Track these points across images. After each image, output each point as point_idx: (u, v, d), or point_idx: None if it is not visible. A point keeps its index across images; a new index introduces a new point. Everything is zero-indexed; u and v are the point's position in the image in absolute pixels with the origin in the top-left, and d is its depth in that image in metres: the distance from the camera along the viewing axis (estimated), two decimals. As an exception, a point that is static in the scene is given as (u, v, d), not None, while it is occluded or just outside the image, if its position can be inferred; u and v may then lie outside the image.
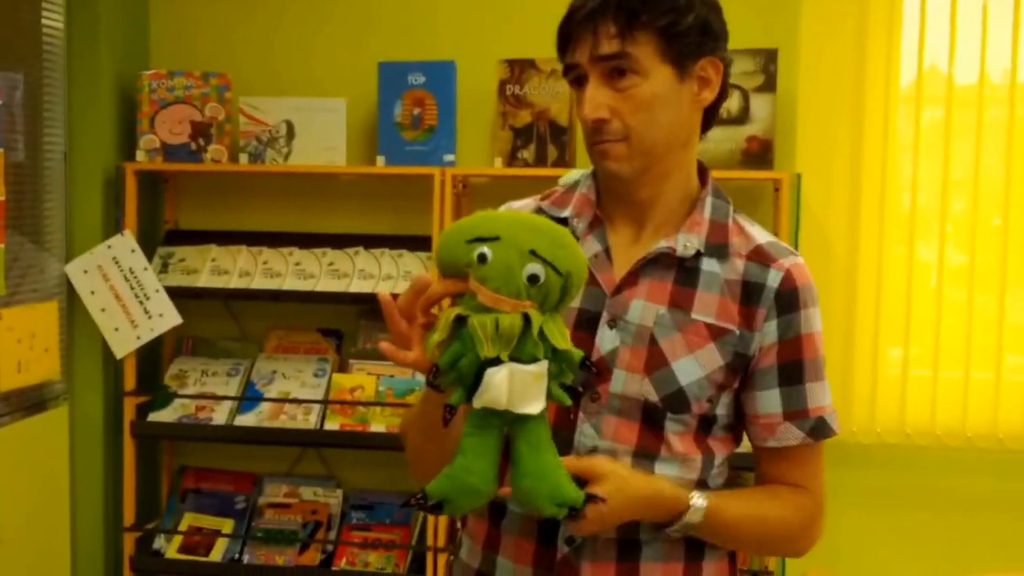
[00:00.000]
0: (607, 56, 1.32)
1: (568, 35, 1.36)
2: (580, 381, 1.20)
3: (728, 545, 1.44)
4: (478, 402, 1.14)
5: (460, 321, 1.13)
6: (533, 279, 1.13)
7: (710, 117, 1.42)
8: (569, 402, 1.19)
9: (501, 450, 1.18)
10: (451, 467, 1.18)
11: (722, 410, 1.40)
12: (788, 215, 2.86)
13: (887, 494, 3.07)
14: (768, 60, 2.88)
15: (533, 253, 1.14)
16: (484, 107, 3.03)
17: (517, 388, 1.13)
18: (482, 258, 1.13)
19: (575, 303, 1.37)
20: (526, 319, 1.13)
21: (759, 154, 2.91)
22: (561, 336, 1.16)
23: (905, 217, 3.00)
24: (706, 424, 1.40)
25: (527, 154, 2.96)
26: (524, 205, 1.50)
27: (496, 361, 1.12)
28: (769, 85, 2.89)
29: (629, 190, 1.40)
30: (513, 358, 1.13)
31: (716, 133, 2.89)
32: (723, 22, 1.38)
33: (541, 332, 1.14)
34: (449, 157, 2.96)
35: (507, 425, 1.17)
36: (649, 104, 1.33)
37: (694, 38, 1.33)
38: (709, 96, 1.37)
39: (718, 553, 1.45)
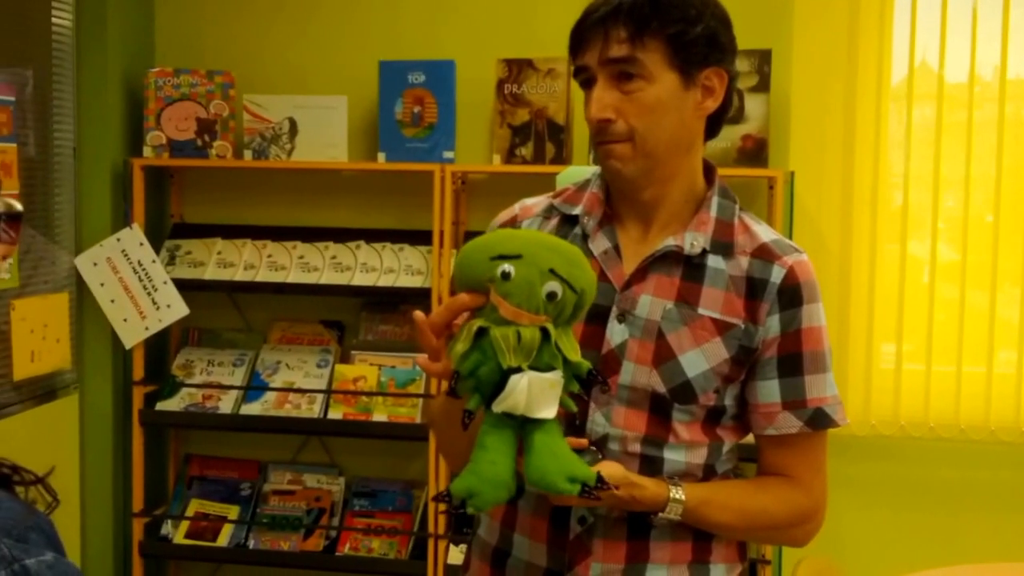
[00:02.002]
0: (616, 59, 1.38)
1: (580, 37, 1.41)
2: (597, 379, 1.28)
3: (719, 534, 1.49)
4: (498, 407, 1.22)
5: (480, 333, 1.21)
6: (551, 296, 1.21)
7: (714, 125, 1.47)
8: (575, 409, 1.28)
9: (516, 449, 1.26)
10: (474, 463, 1.25)
11: (729, 401, 1.46)
12: (782, 212, 2.91)
13: (881, 485, 3.12)
14: (762, 61, 2.93)
15: (552, 272, 1.22)
16: (483, 105, 3.09)
17: (535, 395, 1.21)
18: (505, 275, 1.21)
19: None
20: (544, 332, 1.21)
21: (754, 152, 2.96)
22: (572, 349, 1.25)
23: (897, 214, 3.04)
24: (715, 414, 1.45)
25: (525, 151, 3.01)
26: (537, 202, 1.57)
27: (517, 370, 1.20)
28: (763, 85, 2.94)
29: (633, 190, 1.46)
30: (531, 367, 1.21)
31: (712, 131, 2.95)
32: (732, 37, 1.44)
33: (556, 344, 1.22)
34: (448, 154, 3.02)
35: (520, 426, 1.25)
36: (653, 108, 1.38)
37: (701, 48, 1.38)
38: (712, 105, 1.42)
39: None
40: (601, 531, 1.44)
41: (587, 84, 1.43)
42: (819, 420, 1.45)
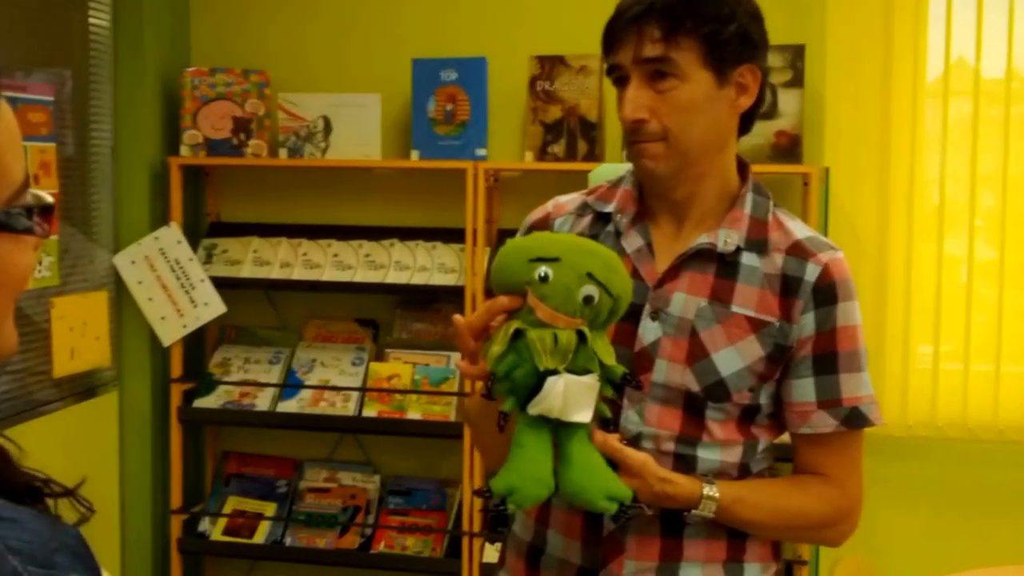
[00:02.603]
0: (650, 59, 1.37)
1: (613, 36, 1.41)
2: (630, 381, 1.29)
3: (752, 532, 1.48)
4: (534, 409, 1.22)
5: (516, 335, 1.22)
6: (588, 300, 1.22)
7: (747, 122, 1.47)
8: (610, 415, 1.29)
9: (552, 450, 1.26)
10: (512, 461, 1.25)
11: (764, 399, 1.45)
12: (817, 209, 2.89)
13: (919, 486, 3.09)
14: (795, 56, 2.91)
15: (590, 275, 1.22)
16: (515, 103, 3.09)
17: (571, 397, 1.21)
18: (543, 278, 1.22)
19: None
20: (580, 335, 1.22)
21: (788, 148, 2.94)
22: (608, 352, 1.25)
23: (934, 211, 2.99)
24: (749, 413, 1.45)
25: (557, 148, 3.01)
26: (571, 200, 1.57)
27: (553, 372, 1.21)
28: (797, 80, 2.93)
29: (666, 189, 1.45)
30: (567, 370, 1.21)
31: (745, 127, 2.94)
32: (764, 32, 1.43)
33: (592, 348, 1.23)
34: (481, 151, 3.03)
35: (554, 430, 1.25)
36: (687, 107, 1.38)
37: (735, 46, 1.37)
38: (746, 102, 1.42)
39: None
40: (635, 528, 1.43)
41: (620, 83, 1.43)
42: (854, 419, 1.44)
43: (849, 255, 2.99)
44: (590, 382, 1.22)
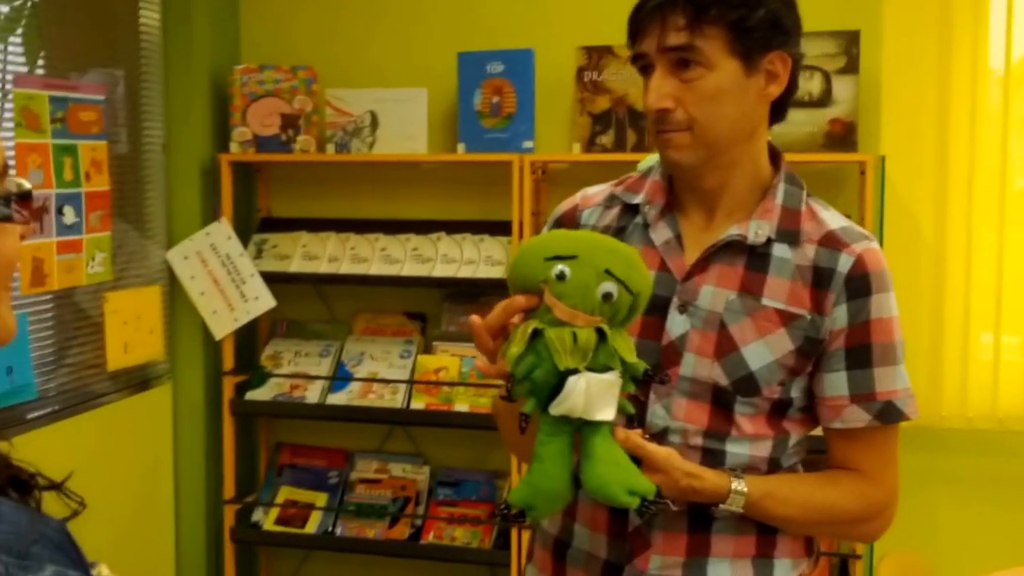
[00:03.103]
0: (674, 47, 1.34)
1: (637, 25, 1.39)
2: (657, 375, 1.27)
3: (783, 527, 1.46)
4: (556, 410, 1.20)
5: (535, 335, 1.20)
6: (607, 297, 1.19)
7: (779, 109, 1.43)
8: (632, 411, 1.27)
9: (572, 454, 1.25)
10: (530, 475, 1.24)
11: (796, 393, 1.42)
12: (873, 198, 2.83)
13: (979, 480, 3.02)
14: (850, 42, 2.84)
15: (608, 272, 1.20)
16: (562, 94, 3.06)
17: (593, 396, 1.19)
18: (561, 276, 1.19)
19: None
20: (600, 333, 1.20)
21: (842, 136, 2.87)
22: (628, 349, 1.23)
23: (994, 200, 2.90)
24: (780, 407, 1.42)
25: (605, 139, 2.98)
26: (599, 191, 1.55)
27: (573, 372, 1.18)
28: (852, 67, 2.85)
29: (694, 179, 1.43)
30: (588, 369, 1.19)
31: (797, 116, 2.88)
32: (796, 17, 1.39)
33: (612, 345, 1.21)
34: (528, 144, 3.01)
35: (576, 429, 1.24)
36: (713, 96, 1.35)
37: (763, 32, 1.34)
38: (776, 90, 1.38)
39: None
40: (661, 523, 1.42)
41: (645, 71, 1.40)
42: (889, 414, 1.40)
43: (906, 244, 2.94)
44: (612, 379, 1.20)
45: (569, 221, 1.54)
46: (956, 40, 2.87)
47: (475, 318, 1.28)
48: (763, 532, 1.44)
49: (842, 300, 1.38)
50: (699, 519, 1.41)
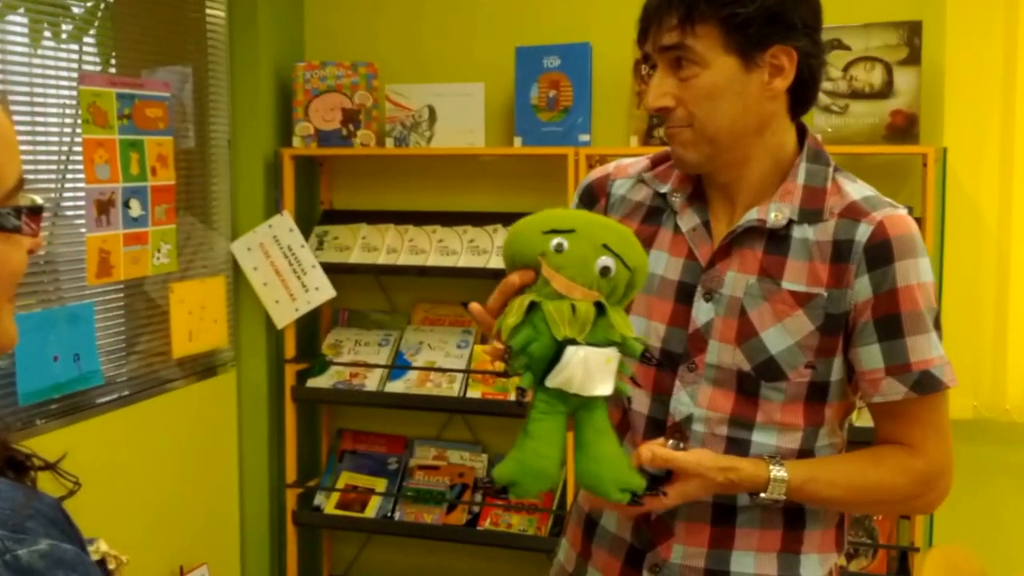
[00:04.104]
0: (668, 47, 1.36)
1: (641, 24, 1.41)
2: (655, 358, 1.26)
3: (832, 509, 1.44)
4: (552, 382, 1.19)
5: (532, 308, 1.19)
6: (605, 271, 1.19)
7: (802, 101, 1.41)
8: (629, 393, 1.26)
9: (566, 435, 1.24)
10: (520, 451, 1.23)
11: (836, 375, 1.40)
12: (934, 191, 2.78)
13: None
14: (912, 32, 2.79)
15: (606, 247, 1.20)
16: (620, 87, 3.07)
17: (591, 369, 1.18)
18: (559, 248, 1.20)
19: (675, 276, 1.43)
20: (598, 307, 1.19)
21: (904, 128, 2.83)
22: (627, 326, 1.22)
23: (1061, 192, 2.84)
24: (818, 392, 1.40)
25: (662, 132, 2.97)
26: (635, 163, 1.56)
27: (572, 342, 1.17)
28: (914, 58, 2.81)
29: (708, 173, 1.44)
30: (587, 343, 1.18)
31: (859, 107, 2.85)
32: (807, 11, 1.36)
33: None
34: (584, 137, 3.02)
35: (572, 411, 1.22)
36: (710, 94, 1.35)
37: (759, 28, 1.33)
38: (782, 84, 1.37)
39: (821, 522, 1.45)
40: (683, 514, 1.42)
41: (652, 71, 1.41)
42: (926, 384, 1.36)
43: (969, 237, 2.88)
44: (611, 354, 1.19)
45: (599, 188, 1.55)
46: (1021, 30, 2.80)
47: (474, 305, 1.29)
48: (790, 527, 1.43)
49: (863, 271, 1.35)
50: (723, 511, 1.41)
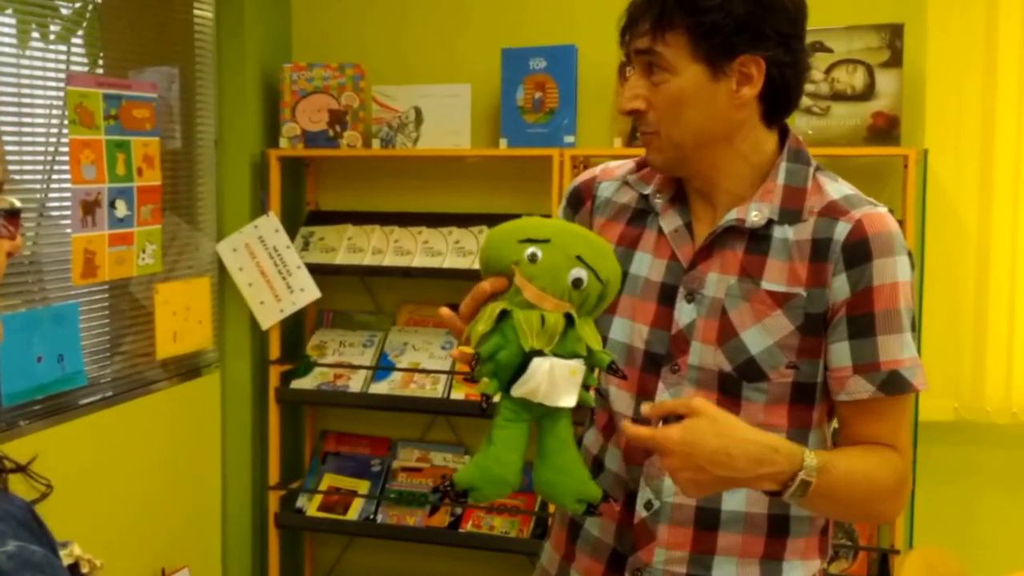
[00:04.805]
0: (641, 51, 1.37)
1: (621, 28, 1.42)
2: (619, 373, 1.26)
3: (832, 509, 1.39)
4: (517, 391, 1.19)
5: (502, 316, 1.19)
6: (577, 283, 1.20)
7: (776, 108, 1.41)
8: (594, 403, 1.26)
9: (527, 443, 1.24)
10: (482, 456, 1.23)
11: (822, 377, 1.39)
12: (915, 192, 2.81)
13: (1022, 475, 2.98)
14: (894, 35, 2.82)
15: (579, 258, 1.20)
16: (604, 89, 3.08)
17: (557, 381, 1.18)
18: (532, 257, 1.19)
19: (658, 277, 1.44)
20: (568, 318, 1.19)
21: (885, 130, 2.86)
22: (595, 339, 1.23)
23: (1040, 195, 2.87)
24: (804, 393, 1.40)
25: (645, 135, 2.99)
26: (621, 165, 1.57)
27: (539, 354, 1.18)
28: (895, 60, 2.83)
29: (683, 177, 1.45)
30: (554, 354, 1.18)
31: (840, 109, 2.87)
32: (781, 21, 1.35)
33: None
34: (569, 139, 3.03)
35: (536, 419, 1.23)
36: (676, 101, 1.36)
37: (727, 37, 1.33)
38: (750, 92, 1.36)
39: (805, 530, 1.45)
40: (667, 517, 1.42)
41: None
42: (894, 384, 1.35)
43: (950, 239, 2.90)
44: (576, 366, 1.19)
45: (586, 191, 1.56)
46: (1001, 33, 2.83)
47: (444, 310, 1.30)
48: (773, 535, 1.43)
49: (841, 269, 1.35)
50: (707, 516, 1.41)
